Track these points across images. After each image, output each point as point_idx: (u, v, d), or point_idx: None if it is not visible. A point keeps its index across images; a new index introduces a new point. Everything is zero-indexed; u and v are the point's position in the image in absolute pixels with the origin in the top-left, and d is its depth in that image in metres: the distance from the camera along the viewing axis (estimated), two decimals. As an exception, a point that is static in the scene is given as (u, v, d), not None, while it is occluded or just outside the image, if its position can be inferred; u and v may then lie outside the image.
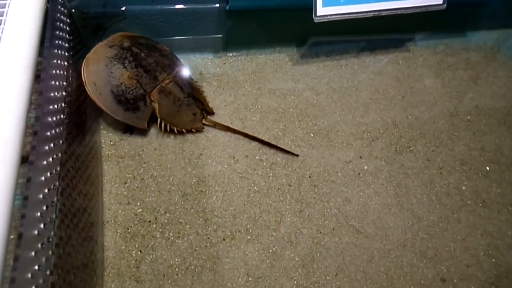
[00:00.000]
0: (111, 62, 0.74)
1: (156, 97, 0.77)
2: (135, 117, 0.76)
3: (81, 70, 0.71)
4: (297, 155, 0.82)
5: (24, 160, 0.48)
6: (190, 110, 0.81)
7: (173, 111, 0.79)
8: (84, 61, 0.72)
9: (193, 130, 0.82)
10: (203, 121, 0.83)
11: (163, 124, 0.78)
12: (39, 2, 0.60)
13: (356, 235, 0.74)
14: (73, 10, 0.78)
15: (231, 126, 0.83)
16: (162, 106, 0.78)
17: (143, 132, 0.81)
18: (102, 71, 0.73)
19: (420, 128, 0.91)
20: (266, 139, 0.83)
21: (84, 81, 0.70)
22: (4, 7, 0.57)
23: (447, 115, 0.94)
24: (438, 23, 1.10)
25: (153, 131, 0.82)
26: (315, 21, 0.84)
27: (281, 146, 0.82)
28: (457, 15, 1.09)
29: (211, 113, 0.86)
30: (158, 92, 0.77)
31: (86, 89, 0.71)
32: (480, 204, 0.81)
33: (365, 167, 0.83)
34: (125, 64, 0.75)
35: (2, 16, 0.56)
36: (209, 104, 0.86)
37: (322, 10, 0.83)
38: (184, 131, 0.81)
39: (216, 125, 0.83)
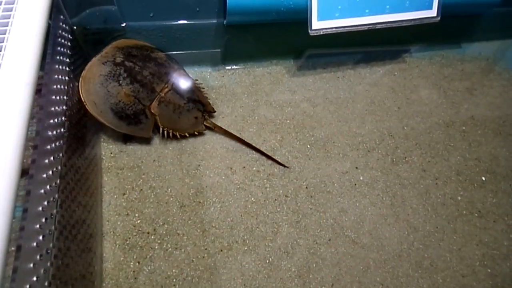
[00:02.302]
0: (106, 80, 0.75)
1: (156, 109, 0.79)
2: (139, 129, 0.78)
3: (79, 90, 0.73)
4: (287, 167, 0.83)
5: (24, 173, 0.49)
6: (191, 114, 0.83)
7: (174, 118, 0.81)
8: (80, 80, 0.73)
9: (195, 132, 0.84)
10: (205, 123, 0.85)
11: (165, 132, 0.80)
12: (42, 18, 0.62)
13: (352, 245, 0.75)
14: (75, 27, 0.80)
15: (228, 130, 0.85)
16: (162, 116, 0.79)
17: (143, 142, 0.82)
18: (99, 90, 0.74)
19: (416, 139, 0.92)
20: (263, 150, 0.84)
21: (83, 100, 0.72)
22: (7, 26, 0.59)
23: (442, 126, 0.95)
24: (433, 35, 1.11)
25: (152, 142, 0.83)
26: (311, 34, 0.86)
27: (277, 158, 0.83)
28: (452, 26, 1.10)
29: (213, 111, 0.88)
30: (157, 104, 0.79)
31: (87, 108, 0.73)
32: (476, 214, 0.82)
33: (361, 178, 0.84)
34: (120, 82, 0.76)
35: (5, 34, 0.58)
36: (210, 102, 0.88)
37: (317, 24, 0.85)
38: (187, 135, 0.83)
39: (215, 127, 0.85)
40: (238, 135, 0.86)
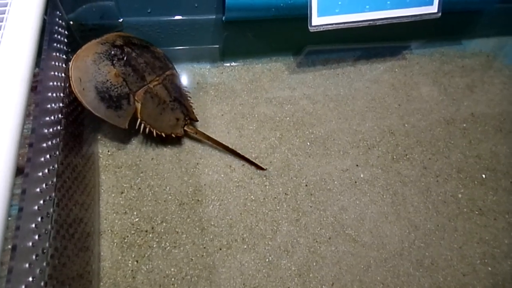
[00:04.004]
0: (100, 58, 0.73)
1: (141, 98, 0.76)
2: (117, 116, 0.74)
3: (69, 66, 0.71)
4: (264, 169, 0.81)
5: (20, 171, 0.48)
6: (173, 114, 0.80)
7: (156, 114, 0.78)
8: (73, 57, 0.71)
9: (173, 135, 0.80)
10: (185, 128, 0.82)
11: (142, 125, 0.77)
12: (37, 14, 0.61)
13: (353, 244, 0.75)
14: (71, 22, 0.79)
15: (212, 136, 0.82)
16: (145, 107, 0.76)
17: (141, 140, 0.81)
18: (89, 67, 0.72)
19: (416, 136, 0.91)
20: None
21: (70, 75, 0.70)
22: (2, 21, 0.58)
23: (443, 123, 0.95)
24: (434, 31, 1.11)
25: (150, 140, 0.82)
26: (311, 30, 0.85)
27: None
28: (453, 23, 1.10)
29: (195, 120, 0.85)
30: (143, 92, 0.77)
31: (70, 84, 0.70)
32: (477, 212, 0.81)
33: (362, 175, 0.83)
34: (114, 62, 0.74)
35: (0, 29, 0.57)
36: (195, 111, 0.85)
37: (317, 20, 0.84)
38: (163, 135, 0.79)
39: (197, 133, 0.82)
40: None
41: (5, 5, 0.60)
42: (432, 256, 0.75)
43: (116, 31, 0.85)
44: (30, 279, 0.44)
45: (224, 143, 0.81)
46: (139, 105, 0.76)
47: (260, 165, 0.81)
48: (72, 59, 0.71)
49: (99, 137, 0.82)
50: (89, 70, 0.72)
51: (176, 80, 0.84)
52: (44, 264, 0.48)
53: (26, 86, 0.52)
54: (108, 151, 0.80)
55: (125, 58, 0.76)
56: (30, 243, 0.45)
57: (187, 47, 0.96)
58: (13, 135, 0.46)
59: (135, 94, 0.76)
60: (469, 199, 0.83)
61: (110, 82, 0.73)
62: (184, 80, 0.93)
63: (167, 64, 0.84)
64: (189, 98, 0.85)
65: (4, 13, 0.59)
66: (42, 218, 0.49)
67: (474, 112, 0.98)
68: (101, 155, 0.80)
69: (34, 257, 0.45)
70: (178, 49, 0.96)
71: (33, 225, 0.46)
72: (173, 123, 0.80)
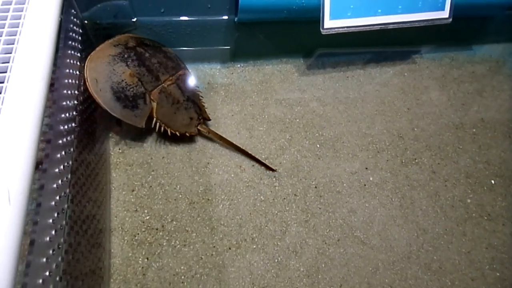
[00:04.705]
0: (114, 59, 0.75)
1: (156, 97, 0.78)
2: (133, 115, 0.75)
3: (84, 66, 0.72)
4: (274, 170, 0.81)
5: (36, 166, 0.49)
6: (187, 114, 0.82)
7: (170, 113, 0.79)
8: (88, 58, 0.73)
9: (187, 134, 0.81)
10: (199, 127, 0.83)
11: (157, 124, 0.78)
12: (54, 12, 0.62)
13: (361, 246, 0.75)
14: (86, 22, 0.80)
15: (224, 136, 0.83)
16: (160, 106, 0.78)
17: (152, 138, 0.82)
18: (104, 68, 0.74)
19: (425, 141, 0.91)
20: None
21: (85, 76, 0.71)
22: (20, 18, 0.59)
23: (452, 128, 0.95)
24: (444, 36, 1.11)
25: (161, 139, 0.83)
26: (323, 33, 0.85)
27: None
28: (463, 28, 1.10)
29: (208, 119, 0.86)
30: (158, 92, 0.78)
31: (87, 85, 0.71)
32: (485, 217, 0.81)
33: (371, 179, 0.84)
34: (128, 63, 0.76)
35: (18, 27, 0.57)
36: (207, 111, 0.86)
37: (330, 23, 0.85)
38: (178, 134, 0.80)
39: (210, 133, 0.83)
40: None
41: (23, 2, 0.61)
42: (440, 260, 0.75)
43: (127, 32, 0.87)
44: (47, 273, 0.44)
45: (234, 143, 0.82)
46: (154, 105, 0.77)
47: (270, 166, 0.81)
48: (87, 60, 0.73)
49: (110, 134, 0.82)
50: (104, 71, 0.73)
51: (188, 79, 0.85)
52: (60, 259, 0.49)
53: (45, 83, 0.52)
54: (119, 149, 0.81)
55: (138, 59, 0.78)
56: (48, 238, 0.46)
57: (199, 48, 0.96)
58: (33, 131, 0.46)
59: (150, 93, 0.77)
60: (478, 204, 0.83)
61: (126, 82, 0.74)
62: (195, 80, 0.94)
63: (179, 64, 0.85)
64: (201, 98, 0.86)
65: (22, 11, 0.60)
66: (58, 213, 0.50)
67: (483, 117, 0.98)
68: (112, 153, 0.80)
69: (51, 252, 0.46)
70: (189, 49, 0.96)
71: (50, 220, 0.47)
72: (187, 122, 0.81)
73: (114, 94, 0.73)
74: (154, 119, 0.78)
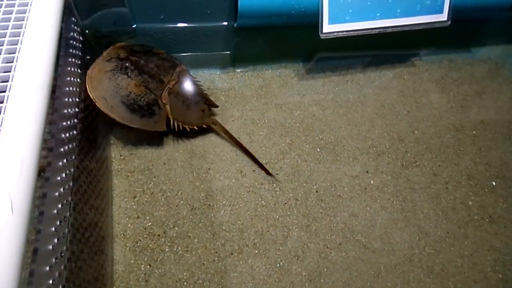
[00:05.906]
0: (114, 74, 0.75)
1: (167, 99, 0.79)
2: (153, 122, 0.77)
3: (86, 89, 0.72)
4: (272, 175, 0.82)
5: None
6: (198, 106, 0.83)
7: (184, 110, 0.81)
8: (86, 80, 0.73)
9: (204, 126, 0.83)
10: (211, 118, 0.85)
11: (175, 124, 0.79)
12: (55, 20, 0.62)
13: (363, 250, 0.75)
14: (86, 31, 0.80)
15: (225, 140, 0.84)
16: (173, 107, 0.79)
17: (153, 144, 0.82)
18: (108, 85, 0.74)
19: (426, 143, 0.92)
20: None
21: (92, 98, 0.72)
22: (21, 28, 0.59)
23: (452, 130, 0.95)
24: (443, 39, 1.11)
25: (162, 145, 0.83)
26: (322, 37, 0.85)
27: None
28: (462, 30, 1.10)
29: (215, 106, 0.87)
30: (167, 94, 0.79)
31: (97, 106, 0.72)
32: (487, 220, 0.81)
33: (372, 182, 0.84)
34: (129, 74, 0.77)
35: (19, 36, 0.58)
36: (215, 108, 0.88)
37: (328, 27, 0.85)
38: (196, 128, 0.82)
39: (216, 124, 0.84)
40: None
41: (24, 11, 0.62)
42: (442, 263, 0.75)
43: (129, 38, 0.87)
44: (50, 281, 0.44)
45: (235, 148, 0.82)
46: (167, 107, 0.78)
47: (270, 170, 0.81)
48: (86, 81, 0.73)
49: (112, 141, 0.83)
50: (109, 88, 0.74)
51: (187, 74, 0.86)
52: (62, 267, 0.49)
53: (46, 91, 0.53)
54: (121, 156, 0.81)
55: (137, 68, 0.78)
56: (51, 247, 0.46)
57: (198, 53, 0.97)
58: (35, 140, 0.47)
59: (160, 97, 0.78)
60: (479, 207, 0.83)
61: (134, 93, 0.75)
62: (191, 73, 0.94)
63: (174, 62, 0.86)
64: (201, 87, 0.87)
65: (23, 20, 0.61)
66: (60, 221, 0.50)
67: (483, 119, 0.98)
68: (113, 159, 0.81)
69: (54, 260, 0.46)
70: (189, 55, 0.97)
71: (53, 229, 0.47)
72: (201, 115, 0.83)
73: (127, 107, 0.74)
74: (171, 120, 0.79)
